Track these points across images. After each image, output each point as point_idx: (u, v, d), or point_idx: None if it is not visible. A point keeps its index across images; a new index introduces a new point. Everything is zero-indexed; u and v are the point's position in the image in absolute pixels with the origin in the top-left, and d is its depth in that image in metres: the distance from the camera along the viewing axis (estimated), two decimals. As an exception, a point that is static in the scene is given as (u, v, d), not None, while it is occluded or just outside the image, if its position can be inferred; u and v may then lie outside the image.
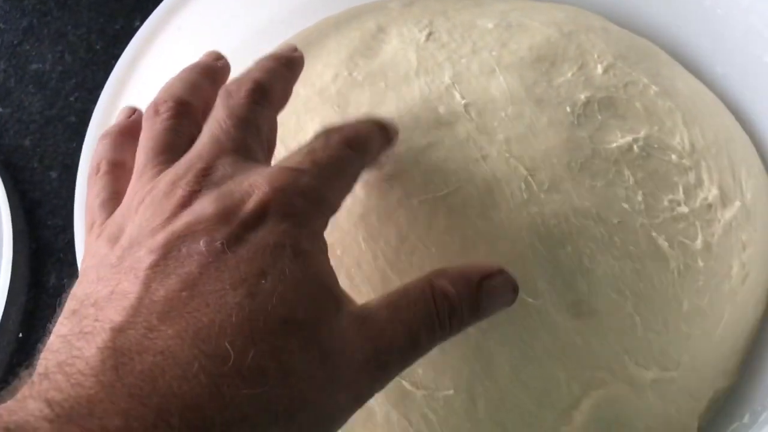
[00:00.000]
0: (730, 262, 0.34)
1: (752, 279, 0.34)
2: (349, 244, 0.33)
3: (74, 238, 0.48)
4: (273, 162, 0.30)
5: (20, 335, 0.44)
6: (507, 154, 0.34)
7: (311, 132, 0.36)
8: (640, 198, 0.34)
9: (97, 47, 0.56)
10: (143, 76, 0.37)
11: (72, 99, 0.53)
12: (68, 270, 0.47)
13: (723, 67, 0.40)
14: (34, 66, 0.55)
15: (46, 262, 0.47)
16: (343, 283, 0.32)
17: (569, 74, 0.37)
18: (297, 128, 0.37)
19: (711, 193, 0.35)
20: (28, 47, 0.56)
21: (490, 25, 0.40)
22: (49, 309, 0.45)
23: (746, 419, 0.31)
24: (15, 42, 0.56)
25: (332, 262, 0.33)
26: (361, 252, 0.33)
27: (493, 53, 0.38)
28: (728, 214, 0.35)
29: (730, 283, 0.34)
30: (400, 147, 0.35)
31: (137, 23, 0.57)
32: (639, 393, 0.31)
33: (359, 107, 0.37)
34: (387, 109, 0.36)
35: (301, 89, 0.39)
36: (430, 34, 0.39)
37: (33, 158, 0.51)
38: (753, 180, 0.36)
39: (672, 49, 0.41)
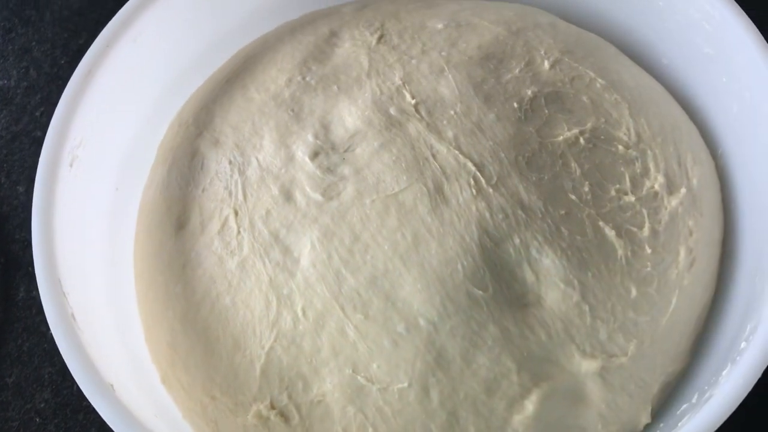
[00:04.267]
0: (677, 248, 0.35)
1: (699, 264, 0.35)
2: (304, 245, 0.34)
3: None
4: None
5: (-9, 348, 0.45)
6: (456, 151, 0.35)
7: (266, 137, 0.37)
8: (587, 189, 0.35)
9: (62, 62, 0.56)
10: (99, 91, 0.37)
11: (38, 114, 0.54)
12: (36, 282, 0.47)
13: (668, 59, 0.41)
14: (-1, 82, 0.55)
15: (15, 276, 0.47)
16: (299, 284, 0.33)
17: (516, 71, 0.38)
18: (252, 132, 0.38)
19: (657, 181, 0.36)
20: (-7, 64, 0.56)
21: (440, 26, 0.40)
22: (19, 322, 0.46)
23: (695, 399, 0.32)
24: (-20, 59, 0.56)
25: (287, 264, 0.34)
26: (315, 252, 0.33)
27: (443, 53, 0.39)
28: (674, 201, 0.36)
29: (677, 269, 0.35)
30: (354, 148, 0.36)
31: (101, 37, 0.57)
32: (588, 383, 0.32)
33: (313, 111, 0.37)
34: (338, 114, 0.37)
35: (255, 94, 0.39)
36: (381, 36, 0.40)
37: (0, 174, 0.51)
38: (699, 167, 0.37)
39: (620, 43, 0.42)
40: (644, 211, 0.35)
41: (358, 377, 0.32)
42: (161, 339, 0.35)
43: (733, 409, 0.27)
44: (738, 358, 0.29)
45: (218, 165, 0.37)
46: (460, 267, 0.32)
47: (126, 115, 0.40)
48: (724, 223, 0.37)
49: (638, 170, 0.36)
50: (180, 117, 0.41)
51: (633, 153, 0.36)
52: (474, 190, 0.34)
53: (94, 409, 0.43)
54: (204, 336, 0.34)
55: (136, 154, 0.41)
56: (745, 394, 0.27)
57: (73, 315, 0.31)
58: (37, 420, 0.43)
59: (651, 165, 0.36)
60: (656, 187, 0.36)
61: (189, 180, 0.38)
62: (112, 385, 0.30)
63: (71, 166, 0.36)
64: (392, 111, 0.36)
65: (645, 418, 0.33)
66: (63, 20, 0.58)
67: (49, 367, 0.44)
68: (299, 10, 0.45)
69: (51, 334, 0.45)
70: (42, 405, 0.43)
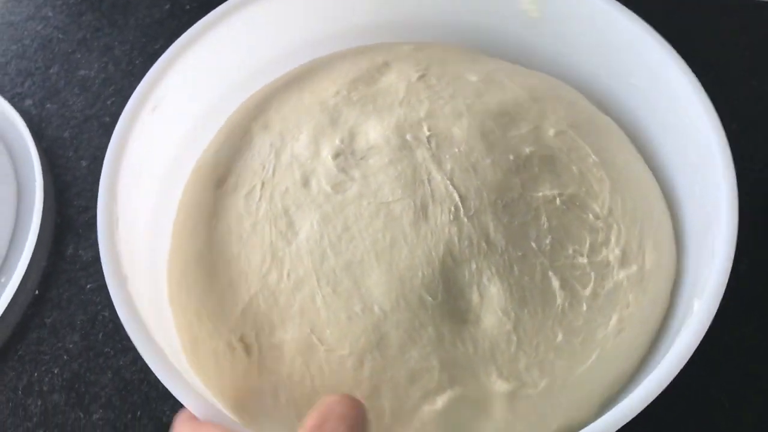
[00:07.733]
0: (610, 314, 0.40)
1: (626, 335, 0.40)
2: (305, 223, 0.41)
3: (94, 218, 0.56)
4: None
5: (36, 293, 0.54)
6: (448, 181, 0.41)
7: (304, 132, 0.45)
8: (548, 241, 0.41)
9: (137, 62, 0.65)
10: (181, 71, 0.46)
11: (109, 103, 0.63)
12: (84, 243, 0.56)
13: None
14: (81, 72, 0.65)
15: (67, 236, 0.56)
16: (291, 252, 0.41)
17: (524, 131, 0.44)
18: (295, 126, 0.46)
19: (614, 253, 0.41)
20: (79, 56, 0.66)
21: (474, 78, 0.47)
22: (64, 274, 0.54)
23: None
24: (69, 50, 0.66)
25: (288, 234, 0.41)
26: (312, 231, 0.41)
27: (467, 101, 0.46)
28: (623, 273, 0.41)
29: (605, 332, 0.40)
30: (369, 158, 0.43)
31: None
32: (496, 401, 0.38)
33: (347, 121, 0.45)
34: (365, 128, 0.44)
35: (307, 97, 0.47)
36: (422, 75, 0.47)
37: (69, 148, 0.61)
38: (657, 254, 0.42)
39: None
40: (592, 274, 0.41)
41: (313, 337, 0.39)
42: (177, 267, 0.44)
43: None
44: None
45: (261, 144, 0.45)
46: (420, 274, 0.39)
47: (196, 97, 0.49)
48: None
49: (600, 239, 0.42)
50: (250, 99, 0.50)
51: (600, 224, 0.42)
52: (452, 216, 0.40)
53: (112, 355, 0.51)
54: (210, 271, 0.42)
55: (198, 128, 0.49)
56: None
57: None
58: (65, 357, 0.51)
59: (613, 238, 0.42)
60: (611, 257, 0.41)
61: (237, 150, 0.46)
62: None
63: (153, 111, 0.44)
64: (408, 137, 0.44)
65: (535, 448, 0.38)
66: (144, 27, 0.68)
67: (82, 315, 0.53)
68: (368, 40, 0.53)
69: (89, 287, 0.54)
70: (71, 345, 0.51)
